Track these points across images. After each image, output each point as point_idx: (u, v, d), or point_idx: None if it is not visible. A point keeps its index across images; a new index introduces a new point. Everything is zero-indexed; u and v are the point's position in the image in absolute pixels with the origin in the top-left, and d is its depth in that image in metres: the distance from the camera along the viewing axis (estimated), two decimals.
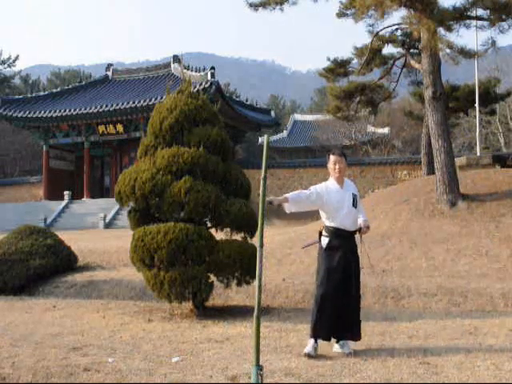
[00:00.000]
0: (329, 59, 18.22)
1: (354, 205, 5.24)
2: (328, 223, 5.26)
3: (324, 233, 5.29)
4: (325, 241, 5.23)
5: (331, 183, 5.29)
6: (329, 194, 5.19)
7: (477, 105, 18.44)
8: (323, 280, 5.11)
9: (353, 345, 5.16)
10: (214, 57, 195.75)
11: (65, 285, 9.92)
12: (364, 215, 5.41)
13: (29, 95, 31.81)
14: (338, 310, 5.05)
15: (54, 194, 29.12)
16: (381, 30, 15.67)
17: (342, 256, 5.13)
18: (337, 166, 5.25)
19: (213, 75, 25.36)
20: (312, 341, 5.04)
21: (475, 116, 20.93)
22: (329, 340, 5.12)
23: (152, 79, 31.32)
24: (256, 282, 4.05)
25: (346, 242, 5.20)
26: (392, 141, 37.33)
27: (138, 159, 7.89)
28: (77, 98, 30.16)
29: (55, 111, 27.83)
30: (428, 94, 13.24)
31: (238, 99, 34.76)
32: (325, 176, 22.63)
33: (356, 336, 5.20)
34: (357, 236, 5.33)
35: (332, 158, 5.30)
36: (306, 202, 5.15)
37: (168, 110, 7.60)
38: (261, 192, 4.08)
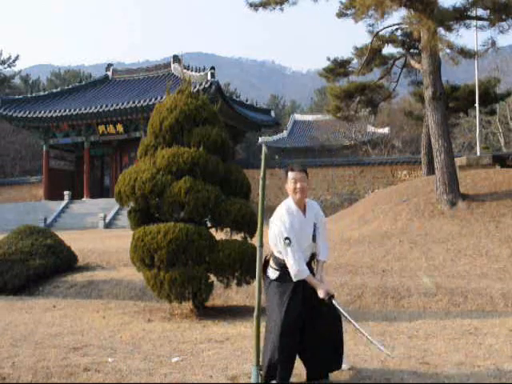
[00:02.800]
0: (329, 59, 18.27)
1: (314, 239, 4.22)
2: (279, 255, 4.16)
3: (272, 264, 4.23)
4: (274, 274, 4.20)
5: (292, 208, 4.18)
6: (292, 224, 4.11)
7: (477, 105, 18.43)
8: (276, 320, 4.04)
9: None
10: (214, 57, 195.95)
11: (65, 285, 9.91)
12: (325, 246, 4.32)
13: (29, 95, 31.83)
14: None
15: (54, 194, 29.14)
16: (381, 30, 15.70)
17: (296, 293, 4.10)
18: (298, 186, 4.14)
19: (213, 75, 25.38)
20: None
21: (475, 116, 20.91)
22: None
23: (152, 79, 31.34)
24: (256, 282, 4.05)
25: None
26: (392, 141, 37.36)
27: (138, 159, 7.90)
28: (77, 98, 30.18)
29: (55, 111, 27.85)
30: (428, 94, 13.25)
31: (238, 99, 34.78)
32: (324, 176, 22.89)
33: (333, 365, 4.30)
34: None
35: (290, 175, 4.18)
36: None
37: (168, 110, 7.60)
38: (260, 192, 4.08)
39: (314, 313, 4.13)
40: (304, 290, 4.09)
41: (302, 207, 4.22)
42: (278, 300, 4.09)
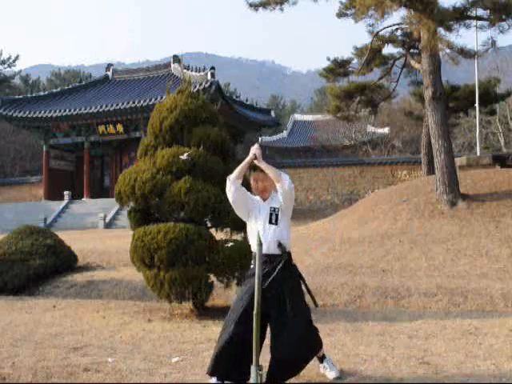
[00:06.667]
0: (329, 59, 18.29)
1: (272, 221, 4.17)
2: (251, 246, 4.31)
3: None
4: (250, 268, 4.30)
5: (257, 198, 4.34)
6: (254, 204, 4.28)
7: (477, 105, 18.46)
8: (228, 317, 4.22)
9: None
10: (214, 57, 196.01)
11: (65, 285, 9.92)
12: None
13: (29, 95, 31.78)
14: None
15: (54, 194, 29.13)
16: (381, 30, 15.71)
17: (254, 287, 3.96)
18: (259, 185, 4.23)
19: (213, 75, 25.37)
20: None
21: (475, 116, 20.94)
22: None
23: (152, 79, 31.32)
24: (256, 282, 4.05)
25: (269, 270, 4.13)
26: (392, 141, 37.36)
27: (138, 159, 7.89)
28: (77, 98, 30.16)
29: (55, 111, 27.84)
30: (428, 94, 13.25)
31: (238, 99, 34.77)
32: (324, 176, 22.82)
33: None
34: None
35: (252, 174, 4.26)
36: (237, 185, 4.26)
37: (168, 110, 7.60)
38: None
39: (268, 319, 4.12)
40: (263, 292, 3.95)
41: (266, 198, 4.29)
42: (236, 298, 4.24)
